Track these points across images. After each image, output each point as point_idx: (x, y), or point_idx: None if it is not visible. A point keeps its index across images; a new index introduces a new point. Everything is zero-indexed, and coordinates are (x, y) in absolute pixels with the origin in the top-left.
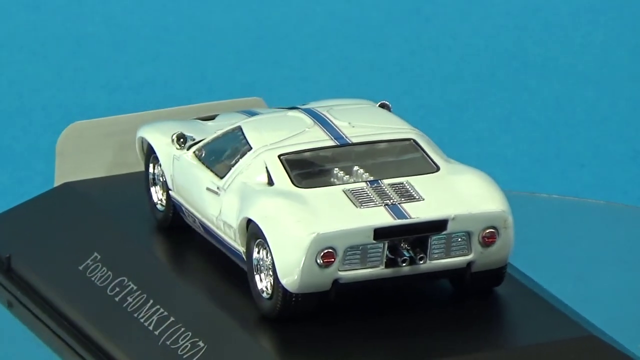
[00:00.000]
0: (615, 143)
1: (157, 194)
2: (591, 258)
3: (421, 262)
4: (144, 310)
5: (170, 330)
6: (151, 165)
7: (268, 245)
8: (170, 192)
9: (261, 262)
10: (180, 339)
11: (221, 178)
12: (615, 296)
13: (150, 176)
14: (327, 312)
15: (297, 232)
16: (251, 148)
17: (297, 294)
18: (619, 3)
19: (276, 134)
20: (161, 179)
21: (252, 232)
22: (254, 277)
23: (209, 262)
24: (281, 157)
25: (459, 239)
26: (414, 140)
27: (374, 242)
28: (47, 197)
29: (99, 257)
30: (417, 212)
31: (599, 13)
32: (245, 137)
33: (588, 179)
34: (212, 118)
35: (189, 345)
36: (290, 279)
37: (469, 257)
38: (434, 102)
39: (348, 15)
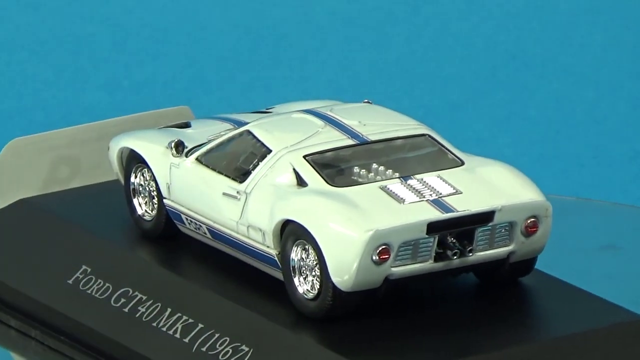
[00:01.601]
0: (615, 143)
1: (141, 205)
2: (590, 258)
3: (470, 254)
4: (163, 319)
5: (203, 337)
6: (132, 176)
7: (317, 245)
8: (164, 200)
9: (301, 264)
10: (217, 345)
11: (240, 182)
12: (615, 298)
13: (132, 187)
14: (364, 310)
15: (350, 230)
16: (270, 150)
17: (348, 292)
18: (619, 3)
19: (292, 135)
20: (147, 189)
21: (291, 234)
22: (292, 278)
23: (214, 267)
24: (307, 158)
25: (503, 230)
26: (429, 136)
27: (426, 236)
28: (5, 214)
29: (89, 269)
30: (462, 205)
31: (598, 13)
32: (259, 140)
33: (588, 179)
34: (185, 125)
35: (230, 350)
36: (343, 277)
37: (510, 248)
38: (434, 102)
39: (348, 15)
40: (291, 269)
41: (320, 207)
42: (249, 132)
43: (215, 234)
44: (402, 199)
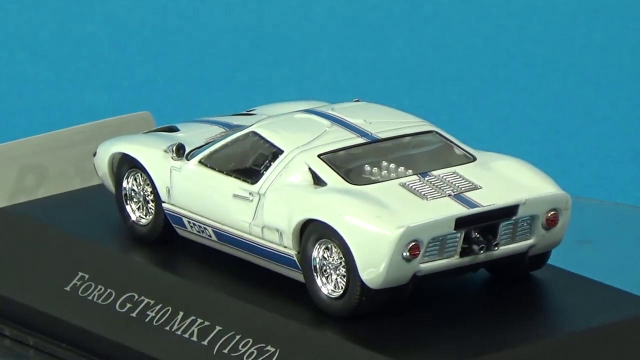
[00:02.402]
0: (615, 143)
1: (134, 210)
2: (591, 258)
3: (495, 248)
4: (176, 323)
5: (223, 339)
6: (125, 181)
7: (344, 244)
8: (163, 204)
9: (324, 263)
10: (240, 347)
11: (252, 183)
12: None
13: (124, 192)
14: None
15: (380, 228)
16: (282, 151)
17: (377, 290)
18: (619, 3)
19: (302, 135)
20: (141, 193)
21: (313, 233)
22: (314, 278)
23: (218, 268)
24: (321, 157)
25: (525, 224)
26: (436, 132)
27: (454, 232)
28: None
29: (87, 276)
30: (485, 200)
31: (599, 13)
32: (268, 140)
33: (588, 179)
34: (173, 129)
35: (255, 351)
36: (373, 275)
37: (531, 241)
38: (434, 102)
39: (348, 15)
40: (312, 268)
41: (347, 206)
42: (254, 133)
43: (222, 236)
44: (424, 195)
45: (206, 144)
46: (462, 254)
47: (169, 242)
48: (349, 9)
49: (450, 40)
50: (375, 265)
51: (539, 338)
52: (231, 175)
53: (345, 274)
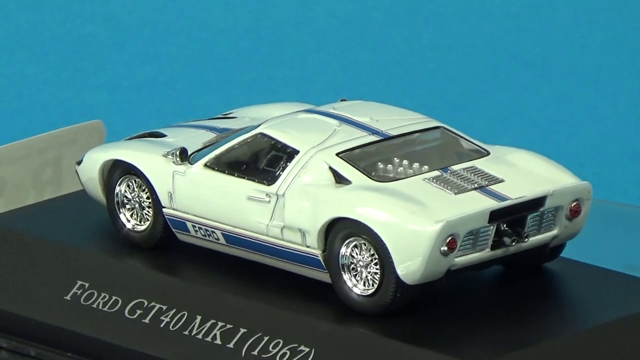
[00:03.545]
0: (615, 143)
1: (129, 217)
2: (589, 258)
3: (526, 240)
4: (195, 327)
5: (250, 342)
6: (117, 188)
7: (379, 241)
8: (164, 209)
9: (352, 261)
10: (270, 348)
11: (268, 185)
12: None
13: (116, 199)
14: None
15: (418, 223)
16: (297, 151)
17: (413, 285)
18: (619, 3)
19: (314, 135)
20: (137, 200)
21: (341, 232)
22: (341, 277)
23: (225, 270)
24: (340, 155)
25: (550, 215)
26: (444, 128)
27: (487, 225)
28: None
29: (87, 284)
30: (512, 192)
31: (599, 13)
32: (280, 141)
33: (588, 179)
34: (152, 135)
35: (288, 352)
36: (411, 270)
37: (554, 232)
38: (434, 102)
39: (348, 15)
40: (341, 267)
41: (380, 203)
42: (263, 135)
43: (233, 239)
44: (451, 189)
45: (204, 147)
46: (493, 246)
47: (164, 247)
48: (349, 9)
49: (450, 40)
50: (412, 261)
51: (570, 330)
52: (244, 178)
53: (377, 271)
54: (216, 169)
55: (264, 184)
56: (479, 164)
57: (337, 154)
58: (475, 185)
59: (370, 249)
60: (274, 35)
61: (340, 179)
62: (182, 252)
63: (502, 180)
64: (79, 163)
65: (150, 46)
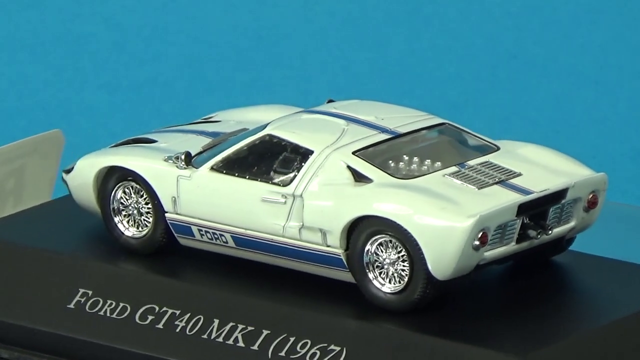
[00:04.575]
0: (615, 143)
1: (126, 224)
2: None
3: (549, 232)
4: (213, 331)
5: (275, 343)
6: (113, 194)
7: (410, 238)
8: (167, 214)
9: (376, 258)
10: (298, 348)
11: (283, 185)
12: None
13: (112, 206)
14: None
15: (449, 219)
16: (311, 151)
17: (442, 281)
18: (619, 3)
19: (325, 135)
20: (135, 206)
21: (366, 230)
22: (366, 275)
23: (233, 272)
24: (356, 154)
25: (569, 207)
26: (449, 124)
27: (515, 218)
28: None
29: (90, 292)
30: (533, 185)
31: (599, 13)
32: (291, 142)
33: None
34: (147, 140)
35: (318, 352)
36: (443, 266)
37: (572, 224)
38: (434, 102)
39: (348, 15)
40: (365, 265)
41: (408, 200)
42: (271, 136)
43: (244, 241)
44: (473, 184)
45: (204, 151)
46: (518, 240)
47: (163, 252)
48: (349, 9)
49: (450, 40)
50: (445, 257)
51: (594, 324)
52: (257, 180)
53: (404, 267)
54: (225, 171)
55: (279, 185)
56: (493, 158)
57: (354, 153)
58: (496, 179)
59: (397, 245)
60: (274, 35)
61: (359, 178)
62: (184, 256)
63: (519, 174)
64: (68, 171)
65: (150, 46)
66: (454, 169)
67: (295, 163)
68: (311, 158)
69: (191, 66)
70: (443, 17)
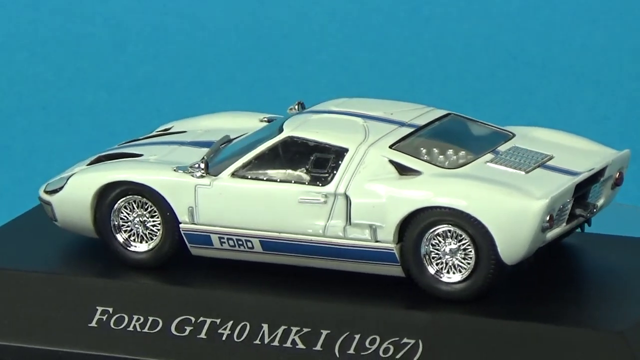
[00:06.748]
0: (615, 143)
1: (128, 238)
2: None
3: (594, 211)
4: (265, 336)
5: (340, 341)
6: (114, 210)
7: (478, 226)
8: (181, 225)
9: (432, 250)
10: (367, 344)
11: (322, 185)
12: None
13: (112, 222)
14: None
15: (519, 203)
16: (346, 149)
17: (509, 265)
18: (619, 3)
19: (351, 132)
20: (140, 220)
21: (424, 221)
22: (423, 267)
23: (258, 276)
24: (394, 148)
25: (602, 186)
26: (454, 114)
27: (570, 199)
28: None
29: (110, 309)
30: (573, 166)
31: (599, 13)
32: (319, 142)
33: None
34: (127, 156)
35: (391, 347)
36: (514, 250)
37: (602, 201)
38: (434, 102)
39: (348, 15)
40: (423, 257)
41: (471, 189)
42: (292, 138)
43: (275, 245)
44: (518, 169)
45: (206, 159)
46: (568, 220)
47: (168, 264)
48: (349, 9)
49: (450, 40)
50: (516, 241)
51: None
52: (290, 182)
53: (465, 256)
54: (249, 177)
55: (317, 185)
56: (518, 144)
57: (391, 147)
58: (534, 163)
59: (458, 235)
60: (274, 35)
61: (404, 171)
62: (194, 266)
63: (552, 157)
64: (53, 192)
65: (150, 46)
66: (490, 156)
67: (330, 162)
68: (347, 156)
69: (191, 66)
70: (443, 17)
